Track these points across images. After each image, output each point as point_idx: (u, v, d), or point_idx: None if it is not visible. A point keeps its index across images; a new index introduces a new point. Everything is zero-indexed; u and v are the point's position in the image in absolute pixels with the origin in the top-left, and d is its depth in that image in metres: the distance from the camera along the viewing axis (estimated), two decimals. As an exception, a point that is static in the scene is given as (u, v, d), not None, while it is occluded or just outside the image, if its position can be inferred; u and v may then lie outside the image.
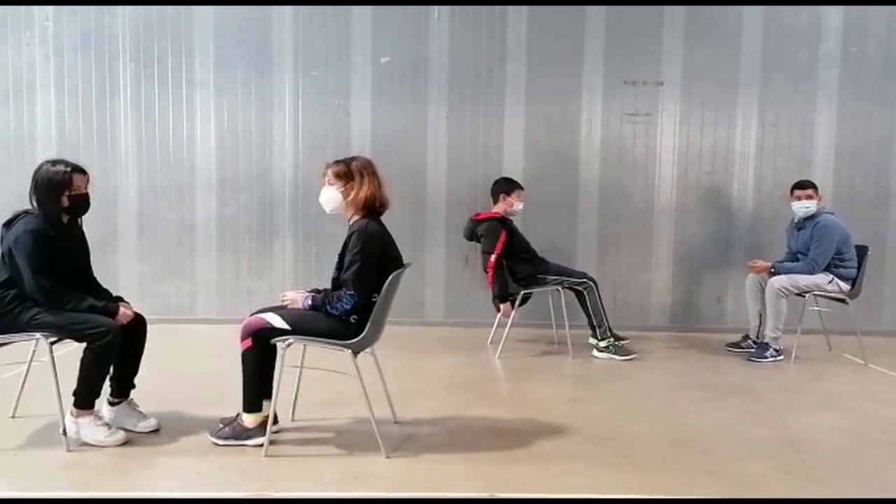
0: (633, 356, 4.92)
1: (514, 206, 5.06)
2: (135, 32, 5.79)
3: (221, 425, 3.18)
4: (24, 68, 5.80)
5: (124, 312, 3.21)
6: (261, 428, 3.11)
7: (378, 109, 5.83)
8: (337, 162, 3.23)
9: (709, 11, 5.75)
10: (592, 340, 5.04)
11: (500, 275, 4.91)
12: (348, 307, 3.06)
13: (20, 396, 3.47)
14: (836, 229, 4.86)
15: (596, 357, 4.94)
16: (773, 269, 4.99)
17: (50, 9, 5.76)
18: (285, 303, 3.22)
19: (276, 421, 3.19)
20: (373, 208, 3.17)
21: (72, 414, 3.13)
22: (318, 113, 5.84)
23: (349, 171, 3.16)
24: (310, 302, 3.14)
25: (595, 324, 4.97)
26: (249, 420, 3.13)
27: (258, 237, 5.93)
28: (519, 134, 5.85)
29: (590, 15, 5.76)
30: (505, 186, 5.10)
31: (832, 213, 4.98)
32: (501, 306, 5.00)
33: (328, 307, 3.08)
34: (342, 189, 3.17)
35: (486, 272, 4.95)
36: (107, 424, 3.17)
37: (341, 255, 3.16)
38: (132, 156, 5.87)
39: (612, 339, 4.97)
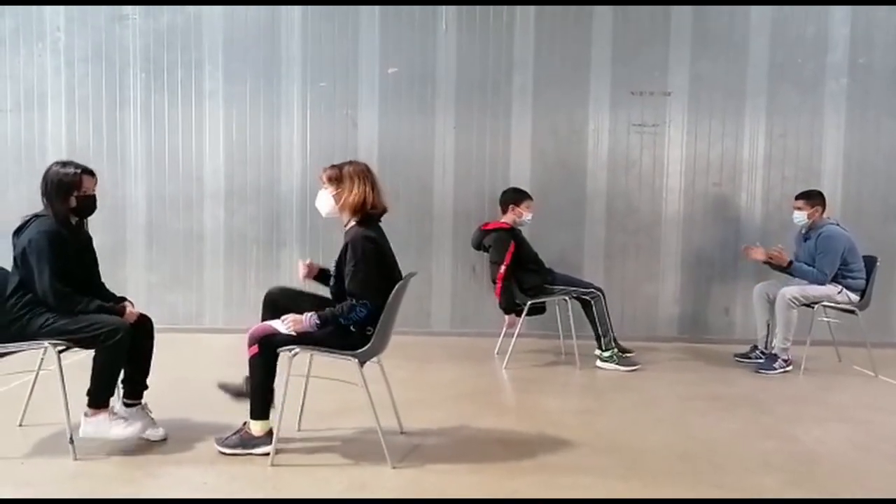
0: (637, 367, 4.90)
1: (523, 216, 5.05)
2: (145, 44, 5.84)
3: (228, 434, 3.17)
4: (36, 79, 5.86)
5: (131, 312, 3.24)
6: (268, 436, 3.11)
7: (385, 120, 5.85)
8: (332, 166, 3.26)
9: (716, 22, 5.76)
10: (597, 352, 5.03)
11: (507, 286, 4.91)
12: (363, 315, 3.04)
13: (28, 405, 3.48)
14: (840, 239, 4.83)
15: (600, 367, 4.92)
16: (790, 265, 4.90)
17: (61, 20, 5.82)
18: (288, 327, 3.06)
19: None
20: (365, 212, 3.17)
21: (86, 415, 3.13)
22: (325, 124, 5.87)
23: (341, 175, 3.19)
24: (316, 320, 3.05)
25: (600, 333, 4.96)
26: (256, 428, 3.12)
27: (265, 247, 5.95)
28: (526, 145, 5.86)
29: (596, 26, 5.77)
30: (514, 197, 5.10)
31: (837, 224, 4.96)
32: (507, 317, 5.02)
33: (342, 319, 3.05)
34: (334, 192, 3.19)
35: (495, 283, 4.94)
36: (123, 418, 3.18)
37: (338, 265, 3.16)
38: (141, 166, 5.91)
39: (616, 350, 4.95)
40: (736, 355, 5.22)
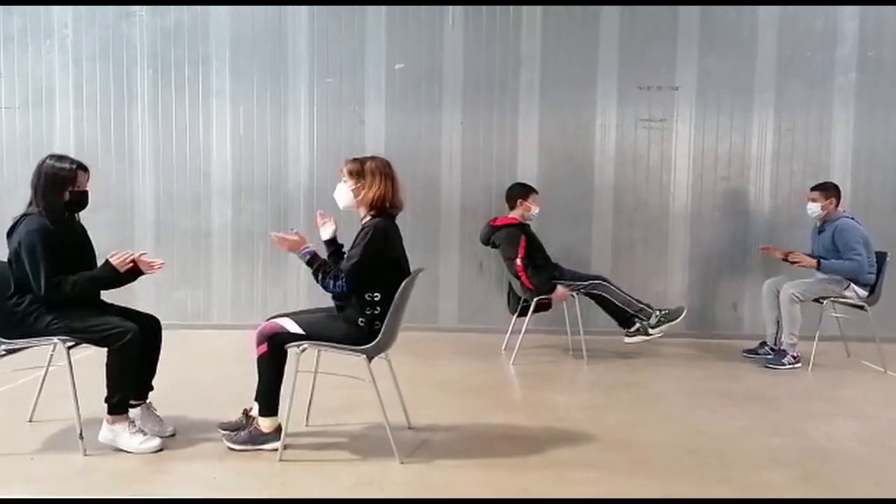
0: (682, 314, 4.84)
1: (531, 210, 5.05)
2: (152, 41, 5.86)
3: (235, 431, 3.19)
4: (44, 76, 5.88)
5: (121, 258, 3.18)
6: (276, 433, 3.12)
7: (392, 116, 5.85)
8: (354, 160, 3.24)
9: (723, 17, 5.73)
10: (627, 336, 4.91)
11: (531, 273, 4.86)
12: (337, 291, 3.09)
13: (38, 401, 3.50)
14: (855, 231, 4.81)
15: (649, 339, 4.84)
16: (819, 265, 4.85)
17: (69, 18, 5.84)
18: (280, 242, 3.17)
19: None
20: (383, 209, 3.17)
21: (107, 421, 3.13)
22: (332, 120, 5.88)
23: (363, 170, 3.18)
24: (308, 258, 3.12)
25: (632, 312, 4.87)
26: (265, 424, 3.13)
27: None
28: (533, 140, 5.84)
29: (604, 21, 5.75)
30: (521, 191, 5.09)
31: (852, 218, 4.93)
32: (553, 297, 4.89)
33: (321, 274, 3.08)
34: (354, 187, 3.19)
35: (520, 277, 4.86)
36: (142, 431, 3.17)
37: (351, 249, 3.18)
38: (149, 163, 5.93)
39: (657, 312, 4.87)
40: (744, 351, 5.20)
